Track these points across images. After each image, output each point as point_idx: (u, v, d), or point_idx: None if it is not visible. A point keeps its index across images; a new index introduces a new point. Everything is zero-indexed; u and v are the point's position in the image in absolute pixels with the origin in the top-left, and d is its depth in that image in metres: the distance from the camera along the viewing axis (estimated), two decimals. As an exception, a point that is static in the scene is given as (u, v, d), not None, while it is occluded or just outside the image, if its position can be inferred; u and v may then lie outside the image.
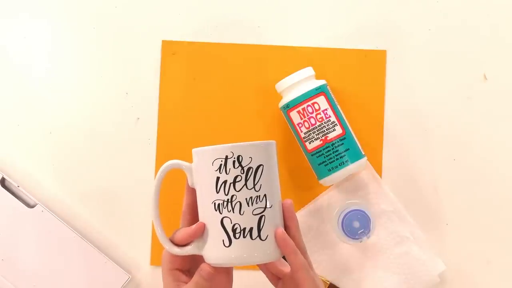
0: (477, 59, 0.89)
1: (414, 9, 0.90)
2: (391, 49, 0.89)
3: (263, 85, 0.88)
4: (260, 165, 0.62)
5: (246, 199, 0.61)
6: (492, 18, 0.90)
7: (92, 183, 0.89)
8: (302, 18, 0.90)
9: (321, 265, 0.87)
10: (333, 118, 0.82)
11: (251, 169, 0.62)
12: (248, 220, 0.61)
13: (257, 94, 0.89)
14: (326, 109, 0.82)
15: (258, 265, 0.67)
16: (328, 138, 0.82)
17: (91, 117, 0.89)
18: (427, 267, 0.85)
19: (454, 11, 0.90)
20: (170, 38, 0.90)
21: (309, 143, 0.83)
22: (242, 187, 0.61)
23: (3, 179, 0.87)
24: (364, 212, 0.83)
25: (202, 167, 0.63)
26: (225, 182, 0.61)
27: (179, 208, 0.67)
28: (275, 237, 0.62)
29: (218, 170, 0.62)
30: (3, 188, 0.87)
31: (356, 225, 0.83)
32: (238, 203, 0.61)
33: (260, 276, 0.70)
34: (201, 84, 0.89)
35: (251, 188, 0.61)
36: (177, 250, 0.64)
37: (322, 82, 0.83)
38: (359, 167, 0.84)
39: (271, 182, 0.63)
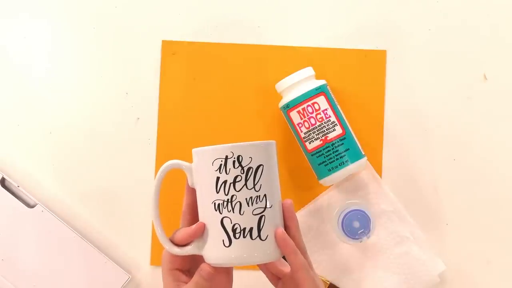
0: (477, 59, 0.89)
1: (414, 9, 0.90)
2: (391, 49, 0.89)
3: (263, 85, 0.88)
4: (260, 165, 0.62)
5: (246, 199, 0.61)
6: (492, 18, 0.90)
7: (92, 183, 0.89)
8: (302, 18, 0.90)
9: (321, 265, 0.87)
10: (333, 118, 0.82)
11: (251, 169, 0.62)
12: (248, 220, 0.61)
13: (257, 94, 0.89)
14: (326, 109, 0.82)
15: (258, 265, 0.67)
16: (328, 138, 0.82)
17: (91, 117, 0.89)
18: (427, 267, 0.85)
19: (454, 11, 0.90)
20: (170, 38, 0.90)
21: (309, 143, 0.83)
22: (242, 187, 0.61)
23: (3, 179, 0.87)
24: (364, 212, 0.83)
25: (202, 167, 0.63)
26: (225, 182, 0.61)
27: (179, 208, 0.67)
28: (275, 237, 0.62)
29: (218, 170, 0.62)
30: (3, 188, 0.87)
31: (356, 225, 0.83)
32: (238, 203, 0.61)
33: (260, 276, 0.70)
34: (201, 84, 0.89)
35: (251, 188, 0.61)
36: (177, 250, 0.64)
37: (322, 82, 0.83)
38: (359, 167, 0.84)
39: (271, 182, 0.63)
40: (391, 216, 0.86)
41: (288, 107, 0.83)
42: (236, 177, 0.61)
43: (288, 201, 0.64)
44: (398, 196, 0.87)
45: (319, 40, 0.89)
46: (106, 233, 0.88)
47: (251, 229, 0.61)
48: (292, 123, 0.84)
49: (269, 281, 0.69)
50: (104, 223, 0.88)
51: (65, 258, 0.86)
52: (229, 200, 0.61)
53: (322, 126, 0.82)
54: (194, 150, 0.64)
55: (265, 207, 0.62)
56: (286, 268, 0.67)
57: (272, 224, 0.62)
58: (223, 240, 0.61)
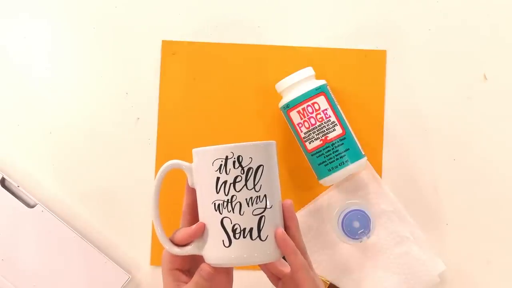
0: (477, 59, 0.89)
1: (414, 9, 0.90)
2: (391, 49, 0.89)
3: (263, 85, 0.88)
4: (260, 165, 0.62)
5: (246, 199, 0.61)
6: (492, 18, 0.90)
7: (92, 183, 0.89)
8: (302, 18, 0.90)
9: (321, 265, 0.87)
10: (333, 118, 0.82)
11: (251, 169, 0.62)
12: (248, 220, 0.61)
13: (257, 94, 0.89)
14: (326, 109, 0.82)
15: (258, 265, 0.67)
16: (328, 138, 0.82)
17: (91, 117, 0.89)
18: (427, 267, 0.85)
19: (454, 11, 0.90)
20: (170, 38, 0.90)
21: (309, 143, 0.83)
22: (242, 187, 0.61)
23: (3, 179, 0.87)
24: (364, 212, 0.83)
25: (202, 167, 0.63)
26: (225, 182, 0.61)
27: (179, 208, 0.67)
28: (275, 237, 0.62)
29: (218, 170, 0.62)
30: (3, 188, 0.87)
31: (356, 225, 0.83)
32: (238, 203, 0.61)
33: (260, 276, 0.70)
34: (201, 84, 0.89)
35: (251, 189, 0.61)
36: (177, 250, 0.64)
37: (322, 82, 0.83)
38: (359, 167, 0.84)
39: (271, 182, 0.63)
40: (391, 216, 0.86)
41: (288, 107, 0.83)
42: (236, 177, 0.61)
43: (288, 201, 0.64)
44: (398, 196, 0.87)
45: (319, 40, 0.89)
46: (106, 233, 0.88)
47: (251, 230, 0.61)
48: (292, 123, 0.84)
49: (269, 281, 0.69)
50: (104, 223, 0.88)
51: (65, 258, 0.86)
52: (229, 200, 0.61)
53: (322, 126, 0.82)
54: (194, 150, 0.64)
55: (265, 207, 0.62)
56: (286, 268, 0.67)
57: (272, 224, 0.62)
58: (223, 240, 0.61)
